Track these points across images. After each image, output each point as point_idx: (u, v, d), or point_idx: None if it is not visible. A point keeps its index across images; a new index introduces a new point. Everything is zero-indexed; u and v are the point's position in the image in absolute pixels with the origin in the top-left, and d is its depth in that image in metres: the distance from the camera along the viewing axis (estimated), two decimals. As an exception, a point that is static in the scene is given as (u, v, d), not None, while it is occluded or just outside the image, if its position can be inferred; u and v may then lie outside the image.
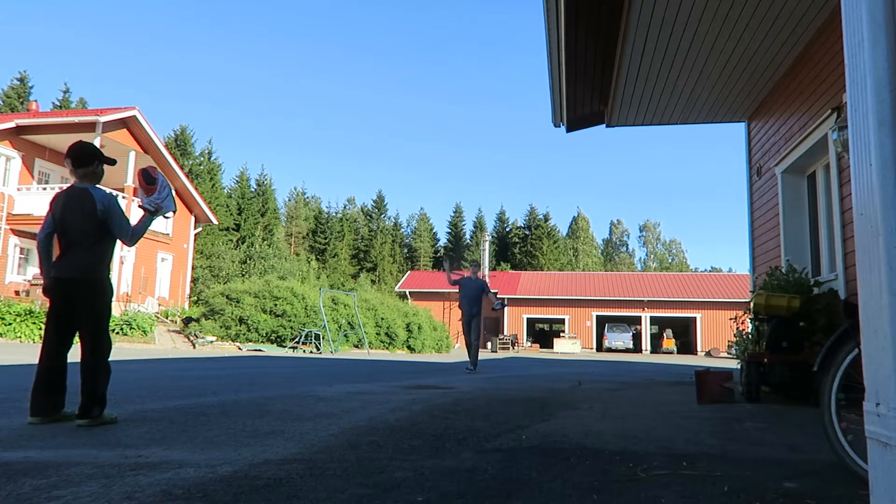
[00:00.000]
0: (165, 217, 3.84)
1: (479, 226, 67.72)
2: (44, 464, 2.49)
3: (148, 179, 3.81)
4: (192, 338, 19.09)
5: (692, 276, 47.64)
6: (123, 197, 21.65)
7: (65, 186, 4.04)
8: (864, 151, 1.55)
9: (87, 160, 3.75)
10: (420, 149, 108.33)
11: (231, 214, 49.86)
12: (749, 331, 6.88)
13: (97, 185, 3.77)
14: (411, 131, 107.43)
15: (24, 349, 12.91)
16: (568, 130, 8.60)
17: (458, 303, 11.10)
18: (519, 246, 65.26)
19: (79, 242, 3.62)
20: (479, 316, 10.77)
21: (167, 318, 21.90)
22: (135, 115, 22.33)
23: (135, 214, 21.58)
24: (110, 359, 3.70)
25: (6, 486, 2.14)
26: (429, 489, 2.24)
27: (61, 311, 3.62)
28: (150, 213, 3.82)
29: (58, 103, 44.80)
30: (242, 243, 47.22)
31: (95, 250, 3.67)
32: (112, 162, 3.91)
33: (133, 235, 3.76)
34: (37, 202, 20.72)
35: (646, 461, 2.83)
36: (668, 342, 39.53)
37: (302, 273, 42.91)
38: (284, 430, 3.46)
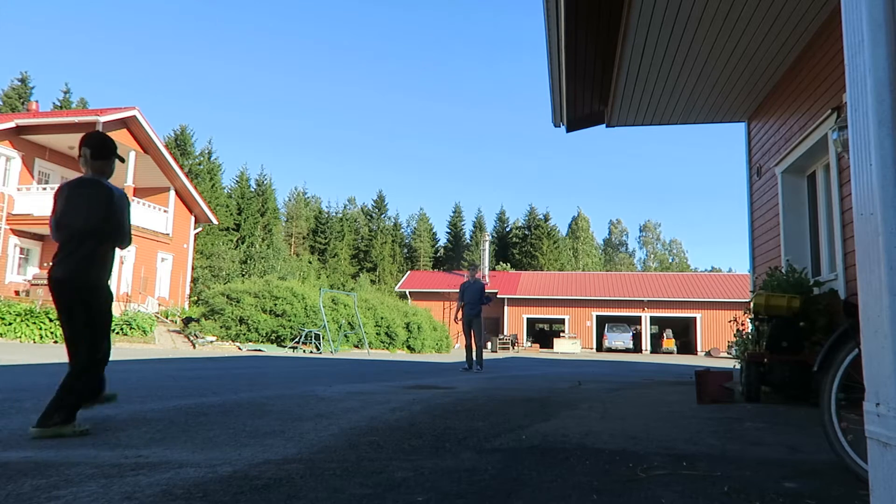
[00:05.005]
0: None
1: (478, 226, 67.69)
2: (44, 464, 2.49)
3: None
4: (192, 338, 19.08)
5: (692, 276, 47.62)
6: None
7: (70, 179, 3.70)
8: (864, 151, 1.55)
9: (107, 153, 3.52)
10: (420, 149, 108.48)
11: (231, 214, 49.85)
12: (749, 331, 6.88)
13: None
14: (411, 131, 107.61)
15: (25, 349, 12.91)
16: (568, 130, 8.61)
17: (458, 304, 11.27)
18: (519, 246, 65.24)
19: (80, 238, 3.30)
20: (479, 317, 10.97)
21: (167, 318, 21.89)
22: (135, 115, 22.34)
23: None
24: (112, 357, 3.59)
25: (6, 486, 2.13)
26: (429, 489, 2.24)
27: (63, 315, 3.32)
28: None
29: (58, 103, 44.82)
30: (242, 243, 47.22)
31: (97, 248, 3.34)
32: (122, 160, 3.73)
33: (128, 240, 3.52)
34: (37, 202, 20.74)
35: (646, 461, 2.83)
36: (668, 342, 39.54)
37: (302, 273, 42.90)
38: (284, 430, 3.46)
